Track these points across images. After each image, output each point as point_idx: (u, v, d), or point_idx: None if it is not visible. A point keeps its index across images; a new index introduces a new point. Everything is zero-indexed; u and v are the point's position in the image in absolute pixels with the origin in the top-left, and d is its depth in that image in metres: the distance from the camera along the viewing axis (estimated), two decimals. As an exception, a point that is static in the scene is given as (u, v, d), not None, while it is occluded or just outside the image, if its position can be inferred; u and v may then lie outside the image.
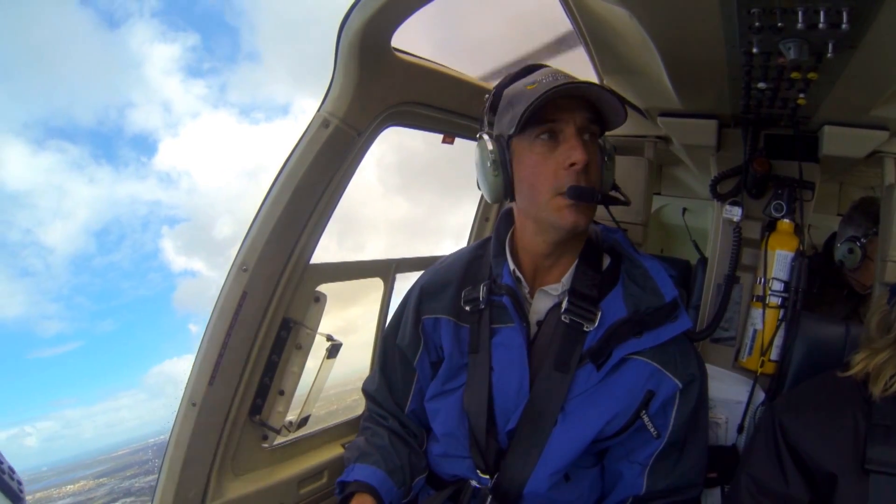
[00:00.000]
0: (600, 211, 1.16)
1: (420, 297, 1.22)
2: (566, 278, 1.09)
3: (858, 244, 1.69)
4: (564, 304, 1.07)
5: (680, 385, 1.05)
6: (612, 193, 1.11)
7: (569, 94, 0.98)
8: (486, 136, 1.06)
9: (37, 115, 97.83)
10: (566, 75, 1.02)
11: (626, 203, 1.11)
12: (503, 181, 1.05)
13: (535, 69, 1.07)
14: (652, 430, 1.05)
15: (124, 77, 37.60)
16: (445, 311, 1.18)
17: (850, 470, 0.83)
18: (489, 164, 1.04)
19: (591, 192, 0.98)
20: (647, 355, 1.05)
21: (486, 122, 1.10)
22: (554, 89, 0.95)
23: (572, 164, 0.97)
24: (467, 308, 1.15)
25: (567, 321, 1.06)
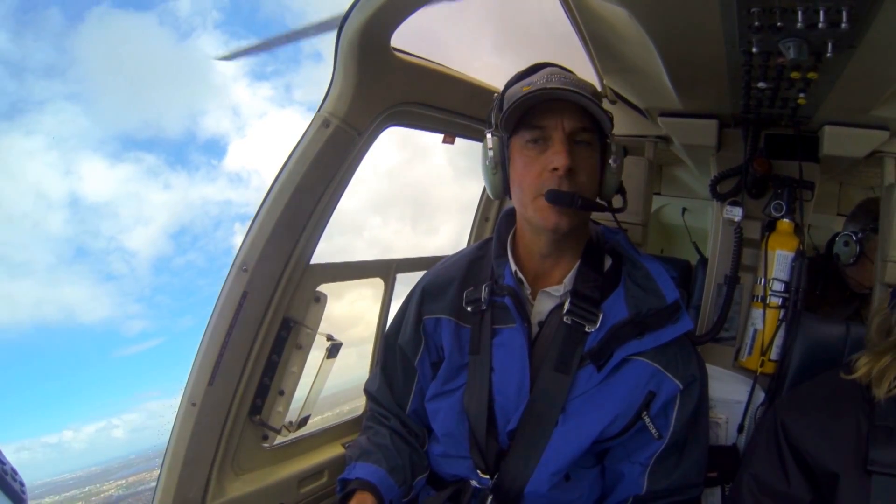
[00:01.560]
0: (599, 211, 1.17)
1: (422, 298, 1.22)
2: (568, 279, 1.09)
3: (854, 238, 1.70)
4: (567, 306, 1.07)
5: (681, 386, 1.05)
6: (599, 201, 1.09)
7: (552, 98, 0.99)
8: (489, 136, 1.08)
9: (114, 130, 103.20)
10: (563, 77, 1.03)
11: (613, 210, 1.11)
12: (501, 179, 1.08)
13: (539, 68, 1.07)
14: (653, 430, 1.05)
15: (195, 87, 37.26)
16: (447, 312, 1.18)
17: (852, 470, 0.83)
18: (489, 163, 1.08)
19: (569, 197, 0.99)
20: (648, 356, 1.05)
21: (493, 121, 1.11)
22: (530, 95, 0.97)
23: (555, 169, 0.99)
24: (469, 308, 1.16)
25: (569, 322, 1.07)
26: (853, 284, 1.76)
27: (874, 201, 1.78)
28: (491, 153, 1.07)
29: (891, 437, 0.83)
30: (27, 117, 70.66)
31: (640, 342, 1.05)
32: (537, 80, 1.02)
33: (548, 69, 1.06)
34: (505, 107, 1.04)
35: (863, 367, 0.95)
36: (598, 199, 1.09)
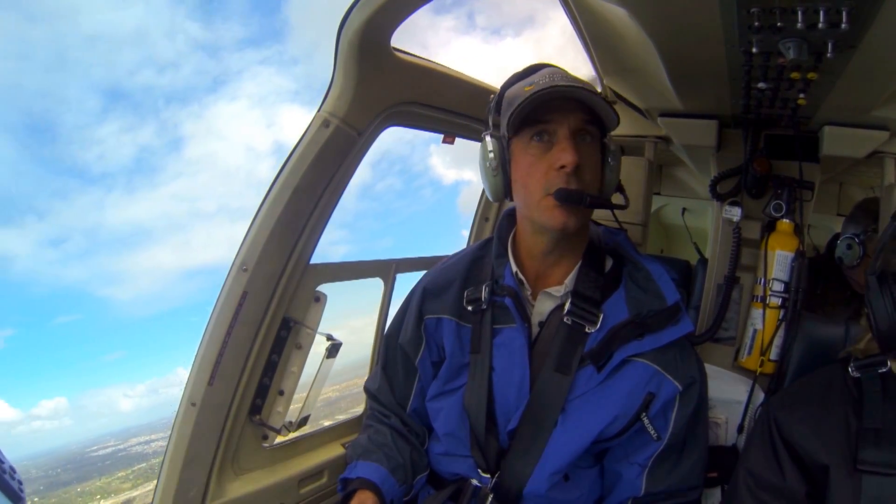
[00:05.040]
0: (601, 211, 1.16)
1: (423, 297, 1.22)
2: (569, 280, 1.09)
3: (857, 241, 1.70)
4: (567, 306, 1.07)
5: (680, 388, 1.05)
6: (612, 198, 1.10)
7: (561, 97, 0.98)
8: (488, 137, 1.07)
9: (305, 81, 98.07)
10: (565, 76, 1.02)
11: (618, 207, 1.10)
12: (502, 181, 1.07)
13: (538, 69, 1.07)
14: (652, 432, 1.05)
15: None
16: (447, 312, 1.18)
17: (842, 465, 0.85)
18: (489, 164, 1.06)
19: (578, 195, 0.98)
20: (648, 357, 1.05)
21: (490, 123, 1.11)
22: (539, 92, 0.96)
23: (562, 167, 0.98)
24: (469, 308, 1.16)
25: (569, 322, 1.06)
26: (855, 285, 1.76)
27: (873, 201, 1.79)
28: (491, 155, 1.06)
29: (879, 438, 0.84)
30: (228, 87, 69.10)
31: (640, 343, 1.04)
32: (539, 79, 1.01)
33: (547, 69, 1.05)
34: (506, 106, 1.03)
35: (864, 339, 0.96)
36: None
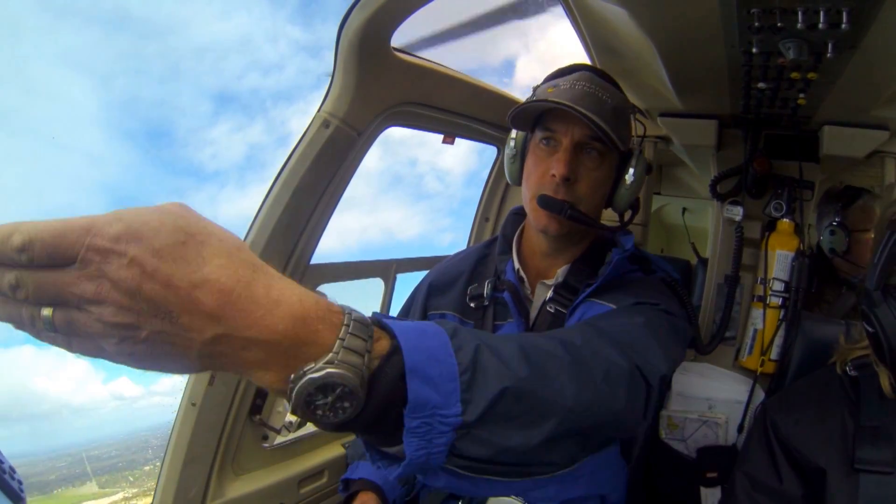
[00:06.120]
0: (606, 212, 1.16)
1: (428, 293, 1.23)
2: (561, 272, 1.10)
3: (836, 223, 1.71)
4: (549, 293, 1.08)
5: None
6: (582, 212, 1.01)
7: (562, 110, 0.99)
8: (514, 130, 1.11)
9: None
10: (588, 87, 1.01)
11: (600, 227, 1.06)
12: (518, 168, 1.11)
13: (574, 70, 1.07)
14: None
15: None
16: (451, 308, 1.19)
17: (839, 466, 0.85)
18: (510, 150, 1.12)
19: (558, 205, 0.99)
20: (607, 299, 0.98)
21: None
22: (533, 102, 1.00)
23: (554, 175, 1.00)
24: (472, 304, 1.16)
25: (552, 311, 1.07)
26: (855, 271, 1.74)
27: (829, 190, 1.84)
28: (512, 143, 1.11)
29: (876, 436, 0.84)
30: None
31: (591, 286, 1.00)
32: (563, 83, 1.02)
33: (577, 73, 1.05)
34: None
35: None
36: (604, 209, 1.09)
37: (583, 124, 1.00)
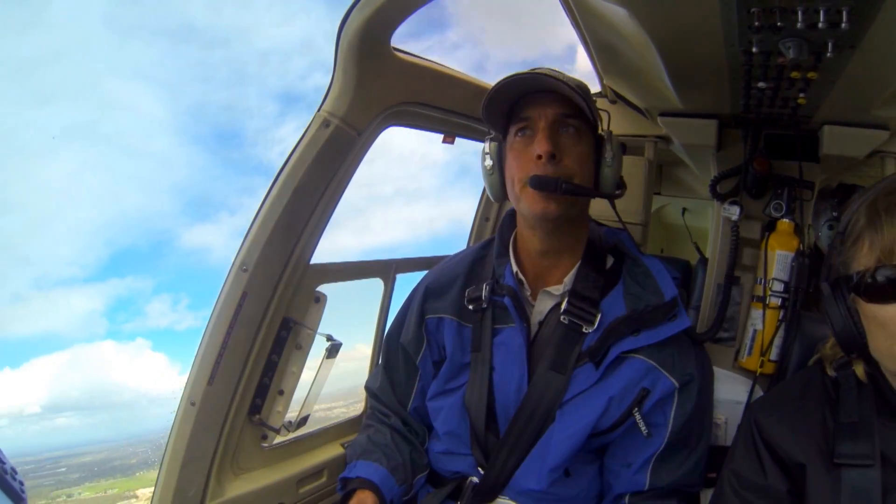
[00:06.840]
0: (604, 211, 1.16)
1: (424, 297, 1.22)
2: (568, 279, 1.10)
3: (834, 219, 1.71)
4: (564, 305, 1.07)
5: (677, 384, 1.05)
6: (579, 184, 1.04)
7: (536, 89, 1.01)
8: (487, 142, 1.11)
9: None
10: (547, 71, 1.03)
11: (597, 195, 1.09)
12: (498, 180, 1.10)
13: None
14: (643, 429, 1.04)
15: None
16: (448, 311, 1.18)
17: (819, 462, 0.87)
18: (486, 165, 1.10)
19: (552, 181, 0.99)
20: (645, 353, 1.05)
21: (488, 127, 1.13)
22: (502, 82, 1.00)
23: (539, 156, 1.00)
24: (470, 307, 1.16)
25: (566, 322, 1.07)
26: None
27: (827, 188, 1.82)
28: (488, 156, 1.10)
29: (855, 431, 0.86)
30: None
31: (636, 339, 1.04)
32: (520, 73, 1.03)
33: (537, 68, 1.06)
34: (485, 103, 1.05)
35: None
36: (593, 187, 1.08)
37: (555, 104, 1.01)
